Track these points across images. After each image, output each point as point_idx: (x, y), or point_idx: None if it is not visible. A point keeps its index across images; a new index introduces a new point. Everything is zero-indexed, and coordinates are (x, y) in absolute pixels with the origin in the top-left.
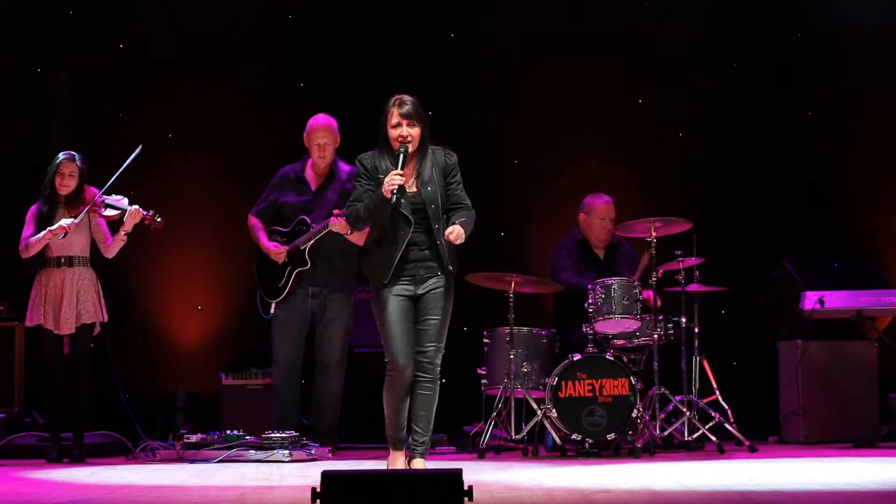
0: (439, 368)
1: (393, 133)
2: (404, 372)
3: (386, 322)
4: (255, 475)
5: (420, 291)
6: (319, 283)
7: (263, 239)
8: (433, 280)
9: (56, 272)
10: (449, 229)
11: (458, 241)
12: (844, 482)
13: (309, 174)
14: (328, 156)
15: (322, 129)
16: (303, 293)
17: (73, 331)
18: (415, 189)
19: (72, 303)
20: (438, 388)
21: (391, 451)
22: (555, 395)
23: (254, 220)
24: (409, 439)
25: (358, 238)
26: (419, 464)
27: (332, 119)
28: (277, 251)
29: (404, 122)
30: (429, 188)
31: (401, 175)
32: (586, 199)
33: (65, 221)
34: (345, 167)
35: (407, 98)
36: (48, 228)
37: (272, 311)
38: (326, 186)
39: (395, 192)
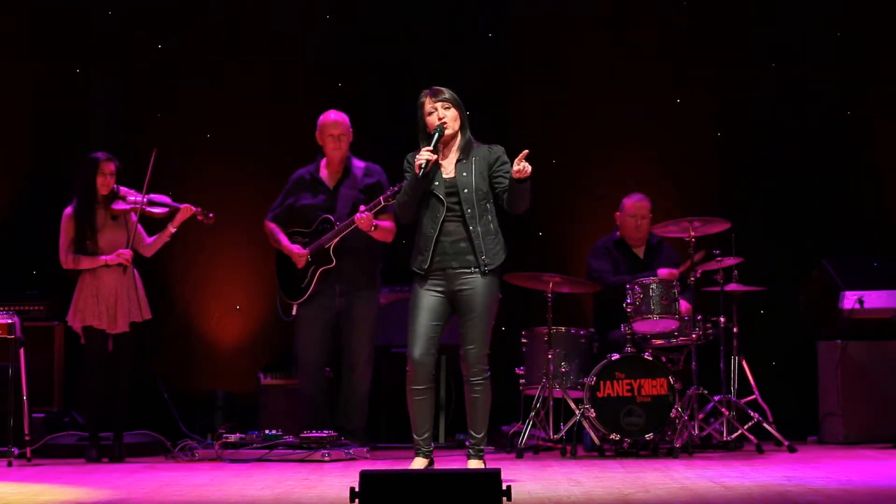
0: (486, 369)
1: (430, 120)
2: (421, 365)
3: (412, 314)
4: (293, 475)
5: (455, 288)
6: (346, 281)
7: (285, 241)
8: (467, 277)
9: (108, 272)
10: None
11: (522, 175)
12: (884, 482)
13: (324, 173)
14: (344, 147)
15: (335, 122)
16: (329, 292)
17: (128, 329)
18: (452, 174)
19: (125, 301)
20: (488, 388)
21: (414, 457)
22: (593, 394)
23: (272, 225)
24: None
25: (383, 235)
26: (476, 464)
27: (344, 114)
28: (300, 254)
29: (439, 105)
30: (464, 174)
31: (430, 151)
32: (623, 199)
33: (124, 254)
34: (359, 164)
35: (439, 87)
36: (104, 258)
37: (294, 312)
38: (343, 183)
39: (423, 166)
